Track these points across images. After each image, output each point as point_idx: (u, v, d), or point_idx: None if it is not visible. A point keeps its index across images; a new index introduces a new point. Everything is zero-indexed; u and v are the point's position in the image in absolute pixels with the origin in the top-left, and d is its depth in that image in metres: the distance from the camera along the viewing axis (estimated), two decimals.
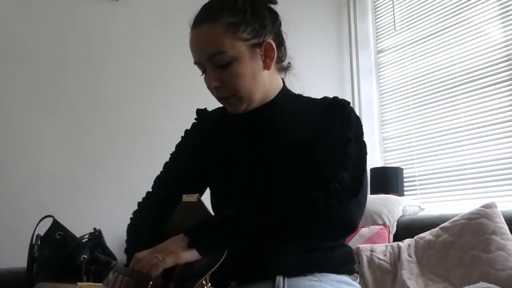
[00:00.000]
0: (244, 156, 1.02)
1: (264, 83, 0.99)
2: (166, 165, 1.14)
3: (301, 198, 0.85)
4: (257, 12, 0.96)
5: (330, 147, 0.93)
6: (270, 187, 0.96)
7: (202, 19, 0.94)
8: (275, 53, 0.98)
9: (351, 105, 1.01)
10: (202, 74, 1.00)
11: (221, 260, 0.79)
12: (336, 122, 0.96)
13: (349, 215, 0.85)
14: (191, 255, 0.81)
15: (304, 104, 1.04)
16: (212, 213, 0.91)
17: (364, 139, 0.97)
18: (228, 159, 1.05)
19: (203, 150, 1.09)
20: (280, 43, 1.03)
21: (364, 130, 0.99)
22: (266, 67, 0.98)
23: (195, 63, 0.98)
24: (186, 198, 0.91)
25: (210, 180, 1.09)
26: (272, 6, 1.02)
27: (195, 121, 1.16)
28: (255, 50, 0.95)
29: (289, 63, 1.08)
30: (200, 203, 0.88)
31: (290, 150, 0.97)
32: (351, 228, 0.87)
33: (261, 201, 0.86)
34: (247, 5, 0.95)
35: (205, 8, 0.97)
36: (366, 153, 0.95)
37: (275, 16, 1.01)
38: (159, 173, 1.14)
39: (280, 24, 1.03)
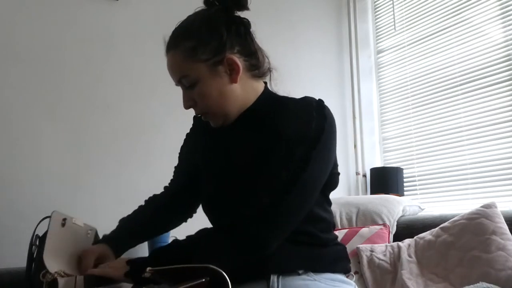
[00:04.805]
0: (216, 163, 1.07)
1: (236, 96, 1.01)
2: (175, 168, 1.26)
3: (214, 236, 0.92)
4: (214, 31, 0.99)
5: (271, 161, 0.94)
6: (237, 193, 0.99)
7: (168, 47, 1.02)
8: (239, 66, 0.99)
9: (325, 108, 0.99)
10: None
11: None
12: (294, 131, 0.95)
13: (257, 239, 0.89)
14: (126, 280, 0.94)
15: (283, 107, 1.03)
16: None
17: (324, 153, 0.95)
18: (207, 164, 1.10)
19: (196, 154, 1.15)
20: (251, 52, 1.03)
21: (331, 142, 0.97)
22: (233, 81, 1.00)
23: (176, 85, 1.05)
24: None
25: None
26: (240, 13, 1.03)
27: (192, 126, 1.22)
28: (217, 68, 0.98)
29: (269, 67, 1.08)
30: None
31: (255, 158, 0.98)
32: (259, 249, 0.90)
33: (227, 211, 0.98)
34: (203, 27, 0.99)
35: (170, 35, 1.03)
36: (309, 171, 0.91)
37: (238, 27, 1.02)
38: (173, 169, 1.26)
39: (248, 33, 1.04)
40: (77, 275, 0.98)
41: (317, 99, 1.01)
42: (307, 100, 1.00)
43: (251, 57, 1.03)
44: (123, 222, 1.20)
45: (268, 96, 1.07)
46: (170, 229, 1.29)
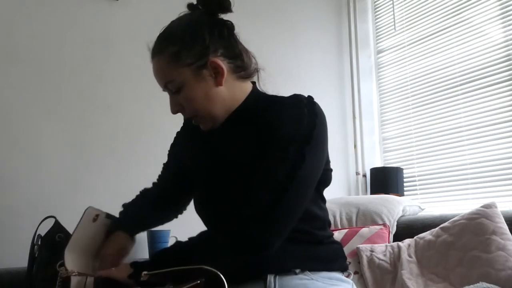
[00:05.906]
0: (206, 164, 1.08)
1: (222, 98, 1.02)
2: (164, 165, 1.28)
3: (211, 239, 0.92)
4: (197, 35, 0.99)
5: (266, 159, 0.94)
6: (231, 193, 0.99)
7: (153, 53, 1.02)
8: (224, 69, 0.99)
9: (316, 105, 0.99)
10: None
11: None
12: (286, 129, 0.95)
13: (258, 239, 0.88)
14: (130, 282, 0.94)
15: (272, 105, 1.03)
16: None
17: (317, 149, 0.95)
18: (196, 165, 1.12)
19: (186, 155, 1.17)
20: (236, 54, 1.03)
21: (322, 141, 0.97)
22: (218, 83, 1.00)
23: (163, 90, 1.05)
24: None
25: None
26: (223, 15, 1.03)
27: (182, 125, 1.24)
28: (201, 72, 0.99)
29: (256, 68, 1.08)
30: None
31: (247, 157, 0.98)
32: (261, 249, 0.89)
33: (221, 212, 0.96)
34: (186, 32, 0.99)
35: (155, 41, 1.03)
36: (304, 167, 0.91)
37: (221, 30, 1.02)
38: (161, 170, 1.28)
39: (232, 35, 1.04)
40: (90, 274, 0.99)
41: (306, 96, 1.01)
42: (297, 98, 1.01)
43: (236, 59, 1.03)
44: (127, 208, 1.24)
45: (256, 95, 1.08)
46: (162, 224, 1.33)
